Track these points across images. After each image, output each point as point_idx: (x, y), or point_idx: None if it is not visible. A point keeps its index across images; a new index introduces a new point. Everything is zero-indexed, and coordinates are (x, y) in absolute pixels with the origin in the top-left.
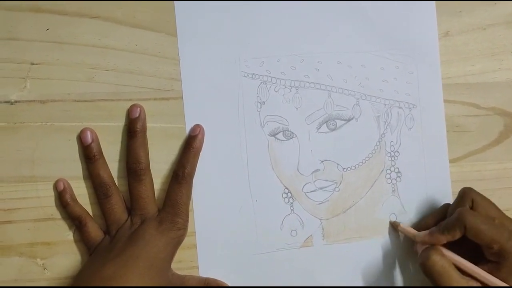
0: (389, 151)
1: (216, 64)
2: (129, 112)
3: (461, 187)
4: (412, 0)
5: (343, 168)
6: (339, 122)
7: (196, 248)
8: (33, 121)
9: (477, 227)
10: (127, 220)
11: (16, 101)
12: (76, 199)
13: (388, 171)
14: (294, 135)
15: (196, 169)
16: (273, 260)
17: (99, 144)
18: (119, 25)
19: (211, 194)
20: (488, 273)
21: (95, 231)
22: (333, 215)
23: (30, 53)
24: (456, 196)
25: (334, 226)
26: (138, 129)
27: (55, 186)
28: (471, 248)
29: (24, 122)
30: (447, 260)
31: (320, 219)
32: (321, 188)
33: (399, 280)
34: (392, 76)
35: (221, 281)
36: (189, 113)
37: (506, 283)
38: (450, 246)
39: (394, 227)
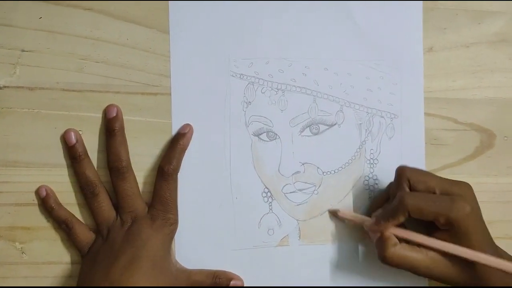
0: (369, 158)
1: (206, 62)
2: (106, 112)
3: None
4: (401, 4)
5: (323, 172)
6: (322, 127)
7: (174, 241)
8: (21, 107)
9: (418, 209)
10: (116, 218)
11: (4, 86)
12: (60, 203)
13: (367, 178)
14: (278, 137)
15: None
16: (250, 256)
17: (84, 144)
18: (112, 18)
19: (192, 189)
20: (445, 239)
21: (83, 232)
22: (310, 217)
23: (22, 40)
24: None
25: (310, 227)
26: (117, 128)
27: (38, 193)
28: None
29: (11, 108)
30: (402, 247)
31: (297, 220)
32: (300, 190)
33: (373, 283)
34: (377, 86)
35: (230, 273)
36: (176, 109)
37: (462, 245)
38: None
39: (333, 214)
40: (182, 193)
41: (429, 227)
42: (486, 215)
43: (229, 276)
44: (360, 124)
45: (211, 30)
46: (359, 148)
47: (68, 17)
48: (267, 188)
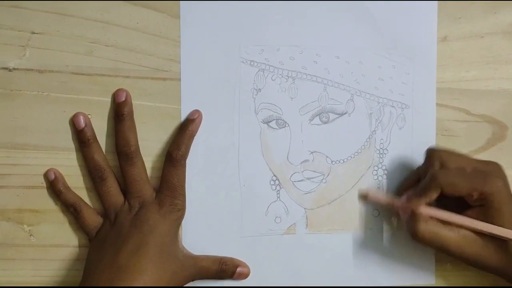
0: (378, 148)
1: (216, 48)
2: (115, 97)
3: None
4: (415, 0)
5: (332, 161)
6: (332, 116)
7: (181, 227)
8: (30, 89)
9: (451, 184)
10: (124, 203)
11: (14, 69)
12: (69, 187)
13: (376, 168)
14: (287, 125)
15: None
16: (256, 244)
17: (92, 128)
18: (123, 1)
19: (200, 175)
20: (477, 218)
21: (91, 216)
22: (318, 206)
23: (32, 22)
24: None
25: (318, 216)
26: (126, 113)
27: (46, 176)
28: (456, 197)
29: (21, 90)
30: (434, 224)
31: (305, 209)
32: (308, 179)
33: (378, 274)
34: (388, 75)
35: (237, 260)
36: (186, 94)
37: (495, 222)
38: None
39: (363, 198)
40: (190, 180)
41: (460, 207)
42: None
43: (235, 263)
44: (371, 113)
45: (222, 15)
46: (369, 137)
47: (79, 0)
48: (275, 176)
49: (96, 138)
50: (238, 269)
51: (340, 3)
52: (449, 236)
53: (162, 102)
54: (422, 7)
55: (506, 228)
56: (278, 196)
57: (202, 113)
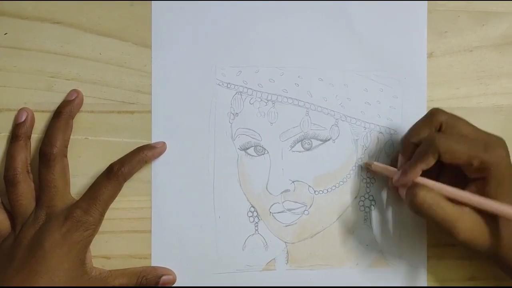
0: (365, 177)
1: (190, 70)
2: (67, 95)
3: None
4: (403, 8)
5: (315, 191)
6: (315, 142)
7: (151, 262)
8: None
9: (451, 149)
10: (32, 213)
11: None
12: None
13: (362, 198)
14: (266, 152)
15: (158, 177)
16: (232, 281)
17: (31, 128)
18: (83, 31)
19: (172, 206)
20: (477, 192)
21: (2, 222)
22: (300, 240)
23: None
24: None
25: (299, 251)
26: (63, 112)
27: None
28: (451, 175)
29: None
30: (436, 193)
31: (285, 242)
32: (289, 210)
33: None
34: (375, 99)
35: (161, 268)
36: (157, 126)
37: (496, 197)
38: (430, 177)
39: (367, 169)
40: (161, 211)
41: (458, 184)
42: None
43: (158, 273)
44: (357, 139)
45: (197, 35)
46: (355, 165)
47: (36, 32)
48: (253, 207)
49: (29, 140)
50: (163, 278)
51: (323, 23)
52: (453, 212)
53: (131, 137)
54: (411, 26)
55: (506, 202)
56: (257, 229)
57: (175, 139)
